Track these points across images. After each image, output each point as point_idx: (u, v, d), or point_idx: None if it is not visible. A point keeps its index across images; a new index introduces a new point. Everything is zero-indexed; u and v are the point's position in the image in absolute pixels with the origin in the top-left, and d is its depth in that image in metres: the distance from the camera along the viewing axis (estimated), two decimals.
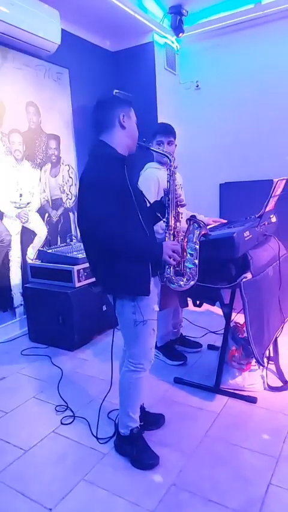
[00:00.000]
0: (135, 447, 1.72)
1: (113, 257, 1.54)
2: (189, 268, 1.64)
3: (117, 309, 1.67)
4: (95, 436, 1.88)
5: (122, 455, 1.75)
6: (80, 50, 3.64)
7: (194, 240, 1.65)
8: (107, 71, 3.98)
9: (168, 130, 2.36)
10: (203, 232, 1.66)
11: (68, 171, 3.58)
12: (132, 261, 1.54)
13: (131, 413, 1.74)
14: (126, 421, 1.74)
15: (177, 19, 3.75)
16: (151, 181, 2.29)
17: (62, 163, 3.53)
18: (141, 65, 3.90)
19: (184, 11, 3.74)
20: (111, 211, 1.47)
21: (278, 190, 2.19)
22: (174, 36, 3.95)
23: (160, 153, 1.86)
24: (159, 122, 3.82)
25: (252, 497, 1.50)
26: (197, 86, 4.18)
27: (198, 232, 1.65)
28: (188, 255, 1.65)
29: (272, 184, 2.04)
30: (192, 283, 1.63)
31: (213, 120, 4.16)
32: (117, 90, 3.66)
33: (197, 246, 1.65)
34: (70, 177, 3.60)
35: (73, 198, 3.63)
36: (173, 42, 4.09)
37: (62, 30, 3.08)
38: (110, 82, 3.94)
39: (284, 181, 2.18)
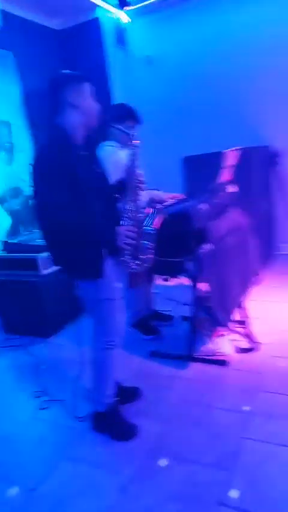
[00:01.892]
0: (112, 422, 1.78)
1: (68, 243, 1.55)
2: (144, 252, 1.67)
3: (80, 289, 1.69)
4: (73, 416, 1.92)
5: (100, 431, 1.80)
6: (23, 30, 3.49)
7: (150, 225, 1.68)
8: (54, 51, 3.84)
9: (139, 118, 2.35)
10: (159, 216, 1.69)
11: (25, 157, 3.49)
12: (85, 245, 1.55)
13: (105, 389, 1.78)
14: (102, 397, 1.79)
15: None
16: (111, 158, 2.25)
17: (17, 150, 3.43)
18: (89, 43, 3.80)
19: None
20: (62, 199, 1.46)
21: (231, 161, 2.22)
22: (120, 10, 3.83)
23: (122, 130, 1.80)
24: (114, 98, 3.76)
25: (226, 452, 1.59)
26: (150, 60, 4.10)
27: (154, 217, 1.68)
28: (144, 239, 1.67)
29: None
30: (146, 266, 1.68)
31: (169, 94, 4.11)
32: (66, 70, 3.55)
33: (152, 232, 1.68)
34: (29, 164, 3.52)
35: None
36: (119, 17, 3.97)
37: (3, 11, 2.93)
38: (59, 62, 3.82)
39: (235, 151, 2.21)
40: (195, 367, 2.21)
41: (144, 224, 1.69)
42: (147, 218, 1.69)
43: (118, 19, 3.94)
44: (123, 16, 3.97)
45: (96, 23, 3.76)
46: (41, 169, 1.52)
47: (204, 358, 2.24)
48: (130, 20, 4.04)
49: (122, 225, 1.63)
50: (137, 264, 1.66)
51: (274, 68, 3.62)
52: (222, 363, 2.18)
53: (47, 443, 1.79)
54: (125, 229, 1.59)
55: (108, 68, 3.80)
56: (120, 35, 4.00)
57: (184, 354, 2.28)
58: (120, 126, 1.83)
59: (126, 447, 1.70)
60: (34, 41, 3.61)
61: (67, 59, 3.86)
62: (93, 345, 1.79)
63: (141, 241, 1.67)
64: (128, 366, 2.25)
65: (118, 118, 2.29)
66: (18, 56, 3.39)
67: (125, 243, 1.57)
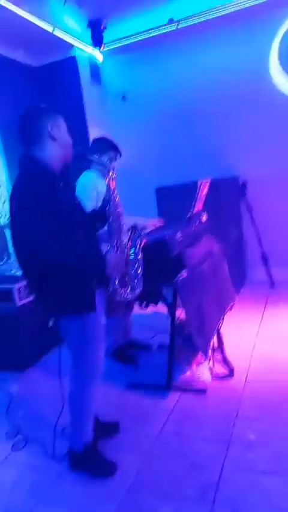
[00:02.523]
0: (90, 461, 1.71)
1: (54, 276, 1.49)
2: (133, 278, 1.66)
3: (63, 328, 1.63)
4: (51, 456, 1.84)
5: (79, 471, 1.72)
6: (0, 66, 3.58)
7: (137, 250, 1.67)
8: (31, 87, 3.95)
9: (120, 150, 2.48)
10: (143, 241, 1.70)
11: None
12: (75, 278, 1.50)
13: (83, 427, 1.72)
14: (80, 436, 1.72)
15: (97, 32, 3.84)
16: (90, 187, 2.30)
17: None
18: (65, 79, 3.94)
19: (102, 26, 3.84)
20: (48, 232, 1.42)
21: (204, 192, 2.33)
22: (96, 49, 4.03)
23: (99, 163, 1.85)
24: (90, 135, 3.88)
25: (207, 484, 1.56)
26: (123, 97, 4.30)
27: (139, 242, 1.68)
28: (132, 265, 1.66)
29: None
30: (137, 291, 1.67)
31: (142, 129, 4.30)
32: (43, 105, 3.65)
33: (139, 256, 1.67)
34: (1, 195, 3.51)
35: (7, 216, 3.53)
36: (95, 56, 4.18)
37: None
38: (35, 97, 3.91)
39: (207, 182, 2.32)
40: (174, 397, 2.19)
41: (131, 250, 1.68)
42: (133, 244, 1.69)
43: (93, 57, 4.14)
44: (98, 55, 4.18)
45: (73, 61, 3.91)
46: (23, 201, 1.48)
47: (183, 387, 2.24)
48: (103, 59, 4.25)
49: (108, 253, 1.60)
50: (126, 292, 1.64)
51: (244, 104, 3.89)
52: (200, 391, 2.19)
53: (22, 487, 1.69)
54: (114, 258, 1.57)
55: (83, 104, 3.94)
56: (95, 72, 4.19)
57: (162, 384, 2.26)
58: (95, 157, 1.87)
59: (106, 485, 1.63)
60: (10, 77, 3.70)
61: (43, 95, 3.97)
62: (71, 381, 1.72)
63: (130, 268, 1.66)
64: (106, 398, 2.20)
65: (101, 150, 2.37)
66: None
67: (115, 270, 1.56)
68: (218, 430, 1.87)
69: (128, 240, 1.69)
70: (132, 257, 1.67)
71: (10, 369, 2.77)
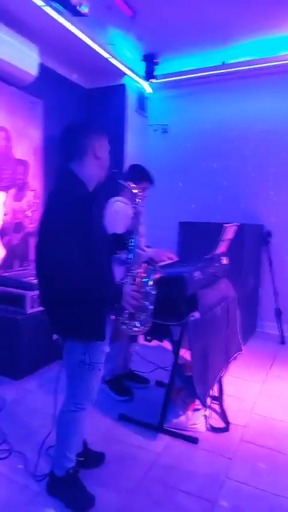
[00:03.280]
0: (70, 488, 1.65)
1: (69, 297, 1.47)
2: (143, 313, 1.62)
3: (66, 348, 1.61)
4: (30, 473, 1.78)
5: (55, 496, 1.66)
6: (55, 83, 3.77)
7: (150, 285, 1.63)
8: (79, 107, 4.13)
9: (153, 180, 2.51)
10: (157, 277, 1.65)
11: (33, 196, 3.59)
12: (89, 304, 1.48)
13: (67, 453, 1.67)
14: (63, 461, 1.67)
15: (150, 66, 4.01)
16: (120, 215, 2.31)
17: (28, 188, 3.53)
18: (112, 105, 4.10)
19: (156, 60, 4.02)
20: (72, 256, 1.40)
21: (229, 235, 2.33)
22: (146, 82, 4.21)
23: (132, 191, 1.78)
24: (127, 160, 3.98)
25: None
26: (165, 130, 4.44)
27: (153, 276, 1.63)
28: (143, 299, 1.60)
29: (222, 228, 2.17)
30: (145, 327, 1.63)
31: (177, 162, 4.40)
32: (93, 123, 3.80)
33: (154, 292, 1.62)
34: (34, 203, 3.60)
35: (35, 224, 3.61)
36: (144, 87, 4.36)
37: (40, 63, 3.19)
38: (82, 117, 4.09)
39: (235, 227, 2.32)
40: (164, 440, 2.11)
41: (145, 283, 1.64)
42: (146, 279, 1.65)
43: (142, 88, 4.31)
44: (146, 86, 4.35)
45: (122, 89, 4.09)
46: (56, 215, 1.47)
47: (175, 432, 2.15)
48: (152, 91, 4.43)
49: (125, 283, 1.58)
50: (136, 327, 1.61)
51: (278, 156, 3.95)
52: (192, 440, 2.10)
53: None
54: (130, 289, 1.54)
55: (125, 131, 4.08)
56: (142, 103, 4.35)
57: (154, 424, 2.18)
58: (127, 184, 1.84)
59: None
60: (63, 94, 3.88)
61: (90, 115, 4.14)
62: (63, 403, 1.68)
63: (143, 302, 1.60)
64: (96, 427, 2.14)
65: (137, 178, 2.40)
66: (46, 105, 3.62)
67: (129, 304, 1.53)
68: (204, 487, 1.78)
69: (144, 273, 1.65)
70: (145, 290, 1.63)
71: (6, 375, 2.75)
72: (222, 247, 2.42)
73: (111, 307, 1.56)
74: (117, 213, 2.32)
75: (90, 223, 1.47)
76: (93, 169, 1.58)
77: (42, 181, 3.68)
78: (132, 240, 1.67)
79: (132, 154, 4.11)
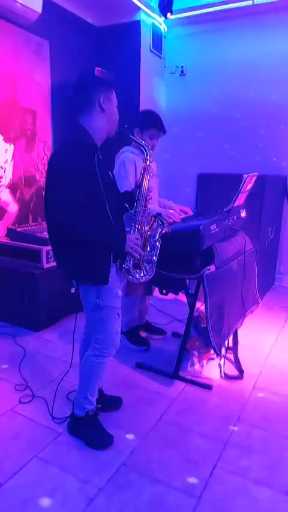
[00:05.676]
0: (89, 428, 1.77)
1: (75, 244, 1.55)
2: (147, 264, 1.68)
3: (81, 293, 1.70)
4: (52, 416, 1.91)
5: (75, 436, 1.79)
6: (62, 21, 3.49)
7: (156, 238, 1.69)
8: (90, 47, 3.85)
9: (163, 128, 2.35)
10: (164, 231, 1.70)
11: (44, 148, 3.49)
12: (94, 249, 1.55)
13: (89, 395, 1.77)
14: (83, 403, 1.78)
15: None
16: (128, 165, 2.27)
17: (38, 140, 3.43)
18: (126, 44, 3.79)
19: None
20: (77, 200, 1.47)
21: (248, 186, 2.23)
22: (161, 17, 3.85)
23: (139, 144, 1.82)
24: (141, 105, 3.76)
25: (197, 479, 1.58)
26: (182, 72, 4.13)
27: (160, 230, 1.69)
28: (148, 250, 1.68)
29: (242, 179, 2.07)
30: (147, 277, 1.68)
31: (196, 109, 4.13)
32: (99, 68, 3.56)
33: (158, 244, 1.68)
34: (45, 155, 3.51)
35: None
36: (160, 24, 3.99)
37: None
38: (92, 58, 3.82)
39: (254, 177, 2.21)
40: (179, 386, 2.20)
41: (150, 236, 1.69)
42: (153, 231, 1.70)
43: (157, 26, 3.96)
44: (162, 24, 3.99)
45: (136, 26, 3.75)
46: (61, 168, 1.51)
47: (190, 379, 2.24)
48: (167, 29, 4.06)
49: (130, 232, 1.65)
50: (138, 274, 1.66)
51: None
52: (206, 386, 2.18)
53: (21, 439, 1.78)
54: (134, 237, 1.61)
55: (140, 72, 3.80)
56: (157, 41, 4.01)
57: (170, 372, 2.27)
58: (138, 139, 1.83)
59: (99, 456, 1.69)
60: (71, 34, 3.60)
61: (101, 56, 3.86)
62: (86, 350, 1.78)
63: (146, 252, 1.68)
64: (114, 374, 2.24)
65: (143, 125, 2.30)
66: (53, 46, 3.39)
67: (132, 250, 1.58)
68: (217, 429, 1.87)
69: (150, 227, 1.70)
70: (150, 243, 1.69)
71: (27, 327, 2.87)
72: (241, 200, 2.33)
73: (115, 253, 1.60)
74: (124, 163, 2.25)
75: (93, 172, 1.51)
76: (99, 122, 1.60)
77: (53, 132, 3.55)
78: (139, 194, 1.69)
79: (147, 99, 3.87)
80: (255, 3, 3.56)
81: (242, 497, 1.50)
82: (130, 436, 1.81)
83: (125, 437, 1.80)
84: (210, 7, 3.74)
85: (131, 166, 2.26)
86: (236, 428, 1.89)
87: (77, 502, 1.47)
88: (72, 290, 3.01)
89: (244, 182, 2.10)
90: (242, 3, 3.61)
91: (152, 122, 2.34)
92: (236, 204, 2.22)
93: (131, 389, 2.17)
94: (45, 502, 1.46)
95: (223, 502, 1.48)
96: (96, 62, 3.77)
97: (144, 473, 1.60)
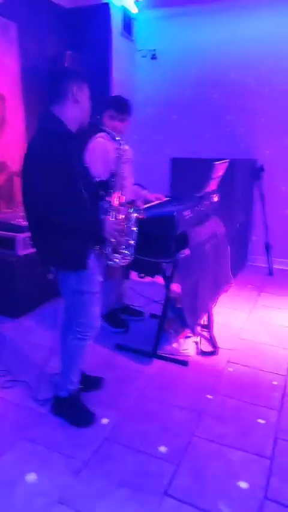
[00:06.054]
0: (72, 408, 1.85)
1: (54, 231, 1.59)
2: (126, 248, 1.74)
3: (60, 279, 1.74)
4: (34, 399, 1.97)
5: (59, 416, 1.86)
6: (29, 2, 3.38)
7: (132, 223, 1.74)
8: (59, 29, 3.75)
9: (123, 108, 2.35)
10: (140, 217, 1.76)
11: (15, 133, 3.42)
12: (73, 236, 1.60)
13: (71, 376, 1.85)
14: (66, 384, 1.85)
15: None
16: (99, 152, 2.30)
17: (8, 125, 3.36)
18: (96, 27, 3.72)
19: None
20: (55, 188, 1.51)
21: (219, 173, 2.31)
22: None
23: (111, 134, 1.88)
24: (113, 89, 3.74)
25: (176, 447, 1.70)
26: (154, 56, 4.12)
27: (135, 216, 1.75)
28: (125, 236, 1.74)
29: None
30: (126, 261, 1.75)
31: (168, 92, 4.15)
32: (70, 52, 3.49)
33: (135, 229, 1.74)
34: (16, 140, 3.45)
35: (20, 162, 3.50)
36: (129, 7, 3.94)
37: None
38: (62, 41, 3.74)
39: (225, 164, 2.29)
40: (157, 364, 2.31)
41: (126, 222, 1.75)
42: (129, 217, 1.75)
43: (127, 9, 3.90)
44: (132, 6, 3.94)
45: (106, 8, 3.69)
46: (38, 155, 1.54)
47: (167, 357, 2.35)
48: (138, 11, 4.02)
49: (107, 218, 1.69)
50: (117, 259, 1.72)
51: (269, 88, 3.75)
52: (183, 363, 2.30)
53: (6, 422, 1.83)
54: (112, 223, 1.66)
55: (111, 56, 3.76)
56: (128, 25, 3.97)
57: (149, 351, 2.37)
58: (109, 130, 1.88)
59: (83, 433, 1.77)
60: (39, 15, 3.50)
61: (72, 38, 3.78)
62: (66, 333, 1.83)
63: (124, 237, 1.73)
64: (94, 356, 2.32)
65: (104, 105, 2.32)
66: (21, 28, 3.29)
67: (111, 236, 1.64)
68: (193, 401, 2.00)
69: (125, 213, 1.76)
70: (126, 228, 1.75)
71: (5, 314, 2.88)
72: (212, 185, 2.42)
73: (94, 239, 1.66)
74: (94, 149, 2.27)
75: (70, 159, 1.56)
76: (73, 112, 1.65)
77: (24, 117, 3.48)
78: (113, 180, 1.74)
79: (118, 82, 3.84)
80: None
81: (217, 460, 1.64)
82: (112, 413, 1.90)
83: (107, 414, 1.89)
84: None
85: (103, 153, 2.29)
86: (211, 397, 2.02)
87: (64, 475, 1.55)
88: (50, 276, 3.03)
89: (214, 169, 2.18)
90: None
91: (110, 103, 2.36)
92: (208, 190, 2.30)
93: (111, 369, 2.26)
94: (32, 477, 1.54)
95: (200, 465, 1.61)
96: (66, 45, 3.69)
97: (126, 445, 1.70)
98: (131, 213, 1.74)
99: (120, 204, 1.74)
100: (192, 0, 3.79)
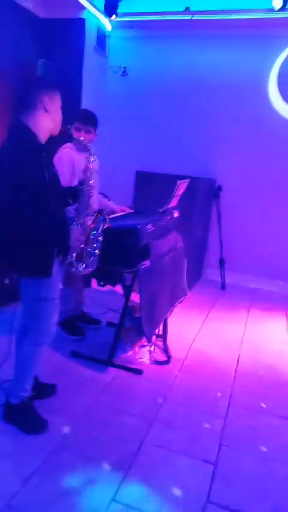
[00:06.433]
0: (24, 415, 1.83)
1: (20, 238, 1.59)
2: (90, 257, 1.78)
3: (21, 285, 1.73)
4: None
5: (11, 423, 1.83)
6: (2, 9, 3.37)
7: (98, 232, 1.79)
8: (33, 38, 3.76)
9: (87, 120, 2.41)
10: (106, 226, 1.82)
11: None
12: (39, 244, 1.60)
13: (25, 383, 1.83)
14: (19, 391, 1.83)
15: (112, 1, 3.73)
16: (65, 161, 2.34)
17: None
18: (70, 40, 3.79)
19: None
20: (24, 198, 1.52)
21: (181, 190, 2.45)
22: (106, 18, 3.92)
23: (83, 144, 1.91)
24: (83, 102, 3.81)
25: (126, 453, 1.74)
26: (124, 72, 4.25)
27: (102, 226, 1.80)
28: (91, 244, 1.78)
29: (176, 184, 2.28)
30: (89, 270, 1.79)
31: (136, 108, 4.31)
32: (43, 60, 3.52)
33: (100, 238, 1.79)
34: None
35: None
36: (104, 24, 4.06)
37: None
38: (35, 50, 3.75)
39: (186, 183, 2.43)
40: (112, 372, 2.35)
41: (93, 231, 1.79)
42: (96, 226, 1.80)
43: (102, 25, 4.02)
44: (107, 23, 4.06)
45: (81, 23, 3.78)
46: (7, 163, 1.55)
47: (123, 365, 2.40)
48: (111, 29, 4.15)
49: (73, 227, 1.74)
50: (81, 267, 1.76)
51: (237, 113, 4.03)
52: (137, 371, 2.36)
53: None
54: (77, 232, 1.70)
55: (82, 69, 3.84)
56: (101, 41, 4.09)
57: (104, 358, 2.41)
58: (80, 139, 1.92)
59: (34, 440, 1.76)
60: (13, 21, 3.50)
61: (45, 48, 3.81)
62: (22, 339, 1.82)
63: (89, 246, 1.78)
64: (49, 362, 2.31)
65: (80, 120, 2.38)
66: None
67: (76, 245, 1.68)
68: (145, 409, 2.06)
69: (92, 222, 1.81)
70: (92, 237, 1.79)
71: None
72: (174, 201, 2.55)
73: (59, 248, 1.68)
74: (60, 158, 2.33)
75: (40, 169, 1.57)
76: (44, 122, 1.65)
77: None
78: (82, 189, 1.78)
79: (89, 94, 3.92)
80: (194, 18, 3.82)
81: (166, 467, 1.69)
82: (64, 420, 1.90)
83: (59, 421, 1.89)
84: (152, 15, 3.92)
85: (68, 163, 2.34)
86: (162, 404, 2.09)
87: (12, 483, 1.53)
88: (7, 280, 2.99)
89: (177, 187, 2.31)
90: (182, 16, 3.84)
91: (77, 115, 2.43)
92: (170, 206, 2.42)
93: (66, 376, 2.27)
94: None
95: (148, 471, 1.66)
96: (39, 54, 3.71)
97: (77, 452, 1.72)
98: (98, 222, 1.78)
99: (88, 213, 1.78)
100: (160, 26, 4.00)
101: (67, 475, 1.60)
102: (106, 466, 1.66)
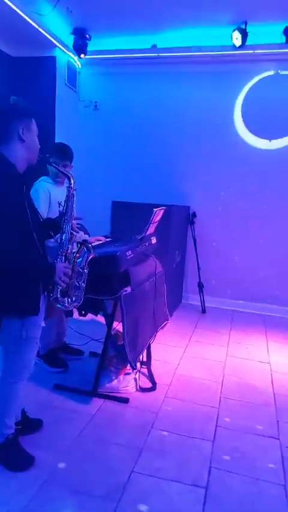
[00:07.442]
0: (10, 452, 1.78)
1: (3, 277, 1.54)
2: (76, 291, 1.74)
3: (3, 325, 1.67)
4: None
5: None
6: None
7: (83, 264, 1.75)
8: (5, 76, 3.91)
9: (64, 155, 2.46)
10: (90, 257, 1.77)
11: None
12: (23, 280, 1.57)
13: (7, 420, 1.78)
14: (2, 428, 1.78)
15: (80, 41, 3.95)
16: (42, 194, 2.37)
17: None
18: (41, 77, 3.97)
19: (87, 35, 3.96)
20: (6, 231, 1.49)
21: (158, 218, 2.54)
22: (76, 56, 4.13)
23: (63, 173, 1.87)
24: (56, 136, 3.93)
25: (115, 485, 1.71)
26: (96, 106, 4.45)
27: (87, 257, 1.76)
28: (76, 277, 1.73)
29: (152, 212, 2.37)
30: (76, 304, 1.76)
31: (108, 141, 4.48)
32: (14, 97, 3.63)
33: (86, 270, 1.75)
34: None
35: None
36: (75, 61, 4.28)
37: None
38: (8, 88, 3.88)
39: (162, 210, 2.54)
40: (97, 403, 2.32)
41: (78, 263, 1.75)
42: (80, 258, 1.76)
43: (72, 62, 4.23)
44: (77, 61, 4.28)
45: (52, 61, 3.96)
46: None
47: (108, 395, 2.37)
48: (81, 66, 4.36)
49: (58, 262, 1.69)
50: (67, 302, 1.73)
51: (207, 143, 4.25)
52: (123, 400, 2.34)
53: None
54: (63, 266, 1.65)
55: (55, 104, 4.00)
56: (72, 77, 4.28)
57: (88, 389, 2.38)
58: (61, 168, 1.92)
59: (21, 477, 1.70)
60: None
61: (17, 86, 3.95)
62: (1, 378, 1.76)
63: (74, 280, 1.73)
64: (33, 397, 2.26)
65: (56, 155, 2.41)
66: None
67: (61, 280, 1.63)
68: (133, 438, 2.04)
69: (77, 252, 1.77)
70: (78, 270, 1.75)
71: None
72: (151, 229, 2.63)
73: (44, 283, 1.65)
74: (37, 191, 2.37)
75: (21, 202, 1.56)
76: (21, 152, 1.63)
77: None
78: (65, 221, 1.76)
79: (62, 129, 4.06)
80: (160, 55, 4.09)
81: (157, 494, 1.68)
82: (50, 455, 1.86)
83: (46, 457, 1.84)
84: (120, 53, 4.16)
85: (45, 195, 2.38)
86: (149, 432, 2.08)
87: None
88: None
89: (154, 215, 2.40)
90: (149, 54, 4.11)
91: (53, 150, 2.43)
92: (147, 233, 2.50)
93: (50, 410, 2.22)
94: None
95: (139, 500, 1.64)
96: (11, 91, 3.84)
97: (66, 487, 1.68)
98: (83, 253, 1.74)
99: (71, 244, 1.74)
100: (128, 63, 4.24)
101: (57, 510, 1.55)
102: (96, 499, 1.62)
